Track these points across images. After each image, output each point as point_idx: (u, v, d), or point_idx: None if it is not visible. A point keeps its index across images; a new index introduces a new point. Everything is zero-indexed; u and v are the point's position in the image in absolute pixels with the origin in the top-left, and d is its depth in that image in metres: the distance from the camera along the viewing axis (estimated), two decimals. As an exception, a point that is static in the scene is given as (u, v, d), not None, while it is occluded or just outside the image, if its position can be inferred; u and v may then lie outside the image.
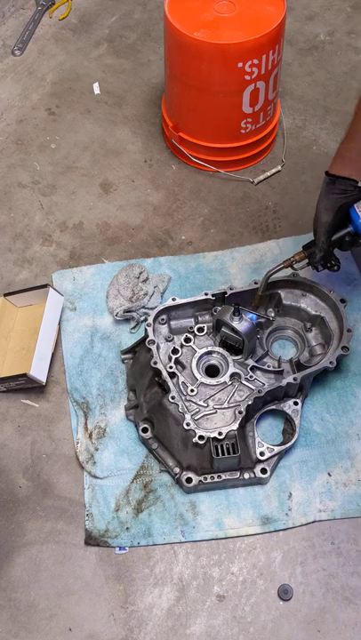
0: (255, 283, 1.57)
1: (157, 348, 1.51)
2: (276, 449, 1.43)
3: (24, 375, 1.53)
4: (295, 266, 1.53)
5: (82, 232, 1.90)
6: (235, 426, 1.39)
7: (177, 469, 1.44)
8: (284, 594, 1.34)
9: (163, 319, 1.58)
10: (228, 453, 1.38)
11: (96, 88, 2.24)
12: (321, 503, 1.42)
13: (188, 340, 1.55)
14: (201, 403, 1.46)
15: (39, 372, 1.57)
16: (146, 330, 1.53)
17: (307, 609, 1.33)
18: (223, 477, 1.41)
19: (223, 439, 1.38)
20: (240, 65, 1.69)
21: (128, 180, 2.00)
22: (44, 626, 1.35)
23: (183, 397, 1.46)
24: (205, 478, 1.41)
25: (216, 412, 1.45)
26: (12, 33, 2.44)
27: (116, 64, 2.31)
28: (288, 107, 2.14)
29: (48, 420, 1.59)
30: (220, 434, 1.38)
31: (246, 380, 1.49)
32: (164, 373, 1.45)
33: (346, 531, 1.40)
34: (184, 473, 1.43)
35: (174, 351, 1.52)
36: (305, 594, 1.35)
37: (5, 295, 1.71)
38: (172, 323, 1.60)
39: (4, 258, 1.87)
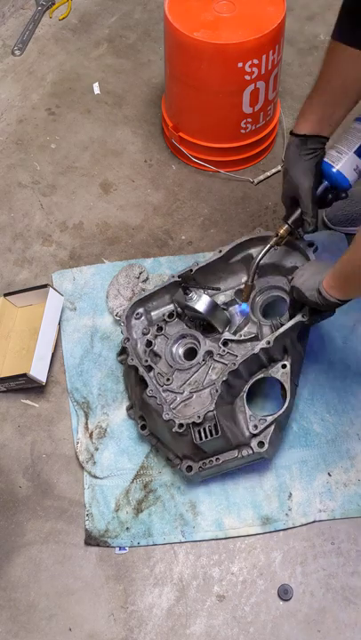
0: (220, 251, 1.54)
1: (136, 344, 1.50)
2: (269, 419, 1.37)
3: (24, 375, 1.54)
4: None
5: (82, 232, 1.90)
6: (212, 406, 1.34)
7: (177, 461, 1.43)
8: (284, 594, 1.34)
9: (138, 313, 1.57)
10: (211, 435, 1.33)
11: (96, 88, 2.24)
12: (321, 503, 1.42)
13: (160, 329, 1.53)
14: (178, 390, 1.44)
15: (39, 371, 1.57)
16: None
17: (307, 609, 1.33)
18: (221, 459, 1.37)
19: (202, 422, 1.34)
20: (240, 65, 1.69)
21: (128, 180, 2.00)
22: (44, 626, 1.35)
23: (160, 389, 1.44)
24: (205, 464, 1.38)
25: (192, 397, 1.42)
26: (12, 33, 2.44)
27: (116, 64, 2.31)
28: (288, 107, 2.14)
29: (48, 420, 1.59)
30: (198, 417, 1.33)
31: (219, 355, 1.45)
32: (140, 369, 1.45)
33: (346, 531, 1.40)
34: (183, 462, 1.41)
35: (148, 344, 1.51)
36: (305, 594, 1.35)
37: (5, 295, 1.71)
38: (153, 314, 1.59)
39: (3, 258, 1.87)
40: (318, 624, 1.32)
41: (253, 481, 1.45)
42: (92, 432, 1.54)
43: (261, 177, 1.97)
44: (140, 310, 1.58)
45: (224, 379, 1.37)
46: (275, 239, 1.44)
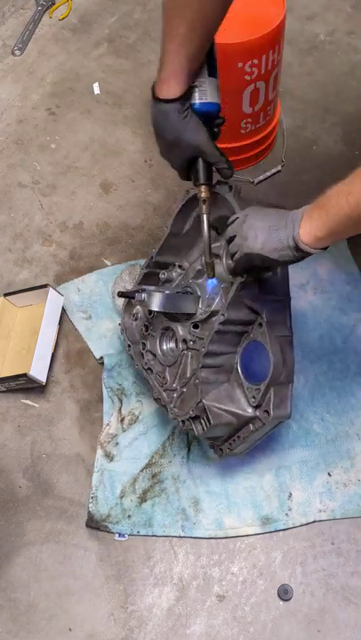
0: (167, 227, 1.46)
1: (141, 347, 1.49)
2: (262, 386, 1.24)
3: (24, 375, 1.54)
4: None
5: (82, 232, 1.90)
6: (199, 397, 1.28)
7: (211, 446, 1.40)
8: (284, 594, 1.34)
9: (134, 315, 1.54)
10: (209, 424, 1.28)
11: (96, 88, 2.24)
12: (321, 503, 1.42)
13: (147, 327, 1.49)
14: (173, 387, 1.40)
15: (39, 372, 1.57)
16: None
17: (307, 609, 1.33)
18: (242, 436, 1.30)
19: (197, 415, 1.29)
20: (240, 65, 1.68)
21: (128, 180, 2.00)
22: (44, 626, 1.35)
23: (161, 389, 1.43)
24: (230, 444, 1.33)
25: (185, 391, 1.38)
26: (12, 33, 2.44)
27: (116, 64, 2.31)
28: (288, 107, 2.14)
29: (48, 420, 1.59)
30: (192, 412, 1.29)
31: (191, 342, 1.36)
32: (144, 373, 1.43)
33: (346, 531, 1.40)
34: (215, 447, 1.38)
35: (142, 346, 1.49)
36: (305, 594, 1.35)
37: (5, 295, 1.71)
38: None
39: (4, 258, 1.87)
40: (318, 624, 1.32)
41: (253, 481, 1.46)
42: (123, 417, 1.56)
43: (261, 177, 1.97)
44: (134, 310, 1.55)
45: (201, 366, 1.30)
46: (204, 207, 1.27)
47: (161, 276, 1.48)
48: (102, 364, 1.64)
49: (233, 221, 1.20)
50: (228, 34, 1.66)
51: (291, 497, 1.43)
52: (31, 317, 1.71)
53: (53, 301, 1.66)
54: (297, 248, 1.08)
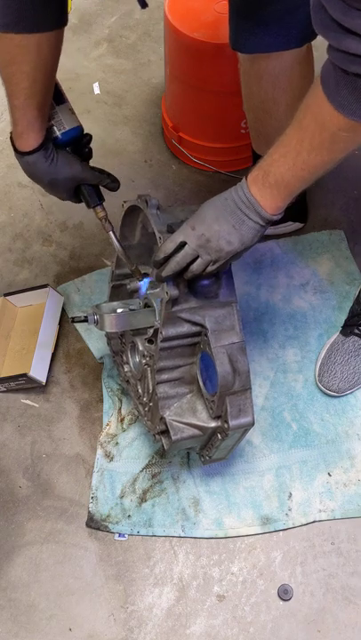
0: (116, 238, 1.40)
1: (127, 354, 1.46)
2: (215, 398, 1.20)
3: (24, 375, 1.54)
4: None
5: (82, 232, 1.90)
6: (159, 412, 1.25)
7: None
8: (284, 594, 1.34)
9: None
10: (171, 440, 1.25)
11: (96, 88, 2.24)
12: (321, 503, 1.42)
13: (121, 340, 1.48)
14: (144, 401, 1.38)
15: (39, 371, 1.57)
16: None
17: (307, 609, 1.33)
18: (213, 444, 1.28)
19: (165, 429, 1.26)
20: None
21: (128, 180, 2.00)
22: (44, 626, 1.35)
23: (137, 402, 1.43)
24: (208, 451, 1.32)
25: (151, 404, 1.34)
26: (11, 33, 2.44)
27: (116, 64, 2.31)
28: (288, 107, 2.14)
29: (48, 420, 1.59)
30: (157, 427, 1.27)
31: (148, 357, 1.32)
32: (124, 385, 1.43)
33: (346, 531, 1.40)
34: (198, 453, 1.37)
35: (120, 358, 1.48)
36: (305, 594, 1.35)
37: (5, 295, 1.71)
38: None
39: (3, 258, 1.87)
40: (318, 624, 1.32)
41: (253, 481, 1.46)
42: (123, 417, 1.56)
43: (261, 177, 1.97)
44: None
45: (156, 382, 1.24)
46: (106, 225, 1.32)
47: (128, 286, 1.40)
48: (102, 364, 1.64)
49: (179, 247, 1.10)
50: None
51: (291, 497, 1.43)
52: (31, 317, 1.71)
53: (53, 301, 1.66)
54: (268, 222, 1.07)
